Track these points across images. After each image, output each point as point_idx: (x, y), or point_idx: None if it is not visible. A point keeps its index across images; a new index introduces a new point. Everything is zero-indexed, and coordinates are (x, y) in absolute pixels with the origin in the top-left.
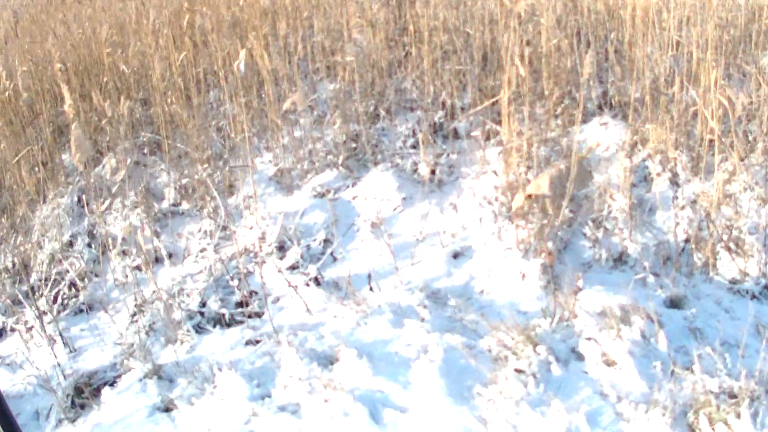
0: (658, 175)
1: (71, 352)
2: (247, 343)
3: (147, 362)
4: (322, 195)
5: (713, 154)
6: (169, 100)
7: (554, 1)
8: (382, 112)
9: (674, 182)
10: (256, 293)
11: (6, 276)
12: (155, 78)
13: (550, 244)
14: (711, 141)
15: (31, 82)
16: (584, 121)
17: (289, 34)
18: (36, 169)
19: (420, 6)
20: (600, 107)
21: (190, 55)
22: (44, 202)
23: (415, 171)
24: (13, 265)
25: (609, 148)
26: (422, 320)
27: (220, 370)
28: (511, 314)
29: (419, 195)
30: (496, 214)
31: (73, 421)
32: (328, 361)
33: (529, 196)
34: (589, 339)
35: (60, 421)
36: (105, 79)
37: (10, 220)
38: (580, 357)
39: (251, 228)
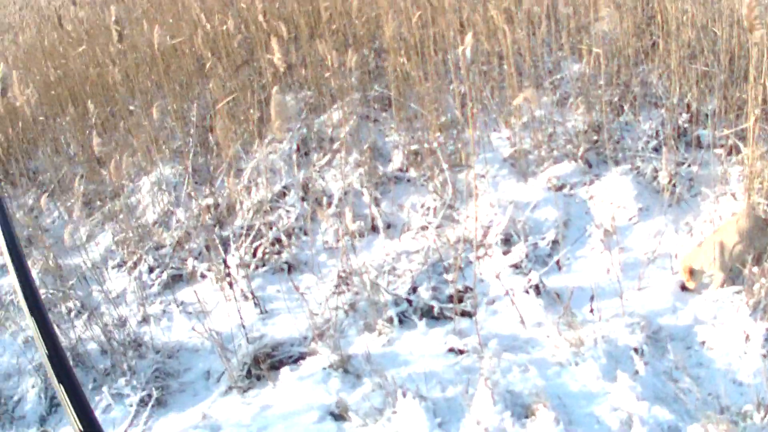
0: None
1: (261, 313)
2: (450, 350)
3: (336, 351)
4: (558, 188)
5: None
6: (401, 55)
7: None
8: (626, 105)
9: None
10: (471, 290)
11: (208, 217)
12: (387, 34)
13: None
14: None
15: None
16: None
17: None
18: (252, 110)
19: None
20: None
21: (426, 14)
22: (260, 144)
23: (654, 178)
24: (217, 206)
25: None
26: (635, 373)
27: (404, 395)
28: (725, 385)
29: (656, 207)
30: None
31: (244, 391)
32: (523, 412)
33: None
34: None
35: (230, 389)
36: (333, 27)
37: (219, 158)
38: None
39: (477, 213)
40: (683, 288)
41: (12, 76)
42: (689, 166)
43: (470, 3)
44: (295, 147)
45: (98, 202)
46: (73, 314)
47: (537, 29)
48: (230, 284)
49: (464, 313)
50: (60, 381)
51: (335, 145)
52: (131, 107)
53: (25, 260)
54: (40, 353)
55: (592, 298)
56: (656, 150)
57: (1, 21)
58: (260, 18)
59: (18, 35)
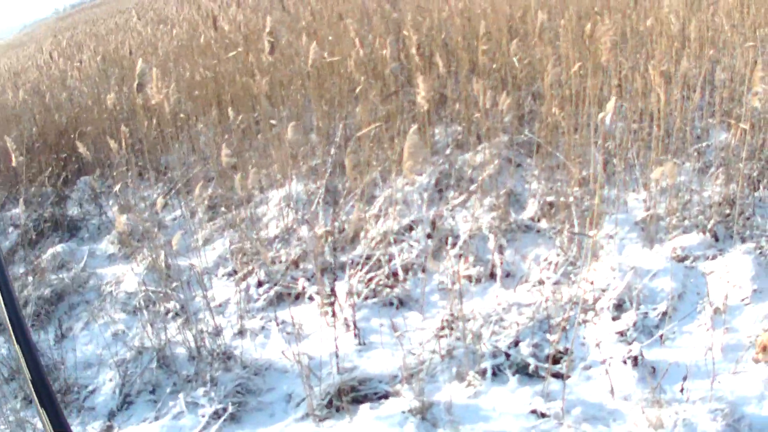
0: None
1: (359, 344)
2: (533, 412)
3: (419, 395)
4: (681, 259)
5: None
6: (555, 105)
7: None
8: (765, 180)
9: None
10: (572, 353)
11: (330, 240)
12: (546, 83)
13: None
14: None
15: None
16: None
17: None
18: (396, 139)
19: None
20: None
21: (587, 66)
22: (396, 174)
23: None
24: (342, 231)
25: None
26: None
27: None
28: None
29: None
30: None
31: (320, 420)
32: None
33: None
34: None
35: (307, 415)
36: (494, 66)
37: (360, 180)
38: None
39: (597, 275)
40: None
41: (151, 72)
42: None
43: (632, 59)
44: (433, 182)
45: (223, 209)
46: (170, 316)
47: (692, 92)
48: (333, 312)
49: (558, 375)
50: (42, 405)
51: (472, 186)
52: (273, 120)
53: (12, 285)
54: (24, 376)
55: (684, 378)
56: None
57: (159, 12)
58: (413, 51)
59: (173, 28)
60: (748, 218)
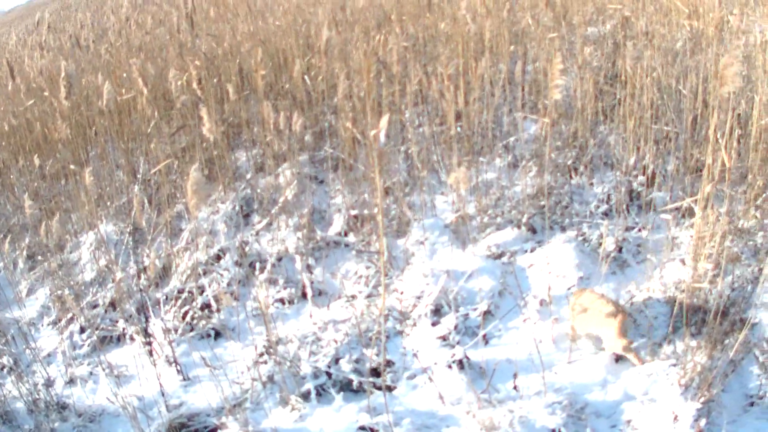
0: None
1: (184, 380)
2: (360, 428)
3: (244, 426)
4: (496, 256)
5: None
6: (349, 119)
7: None
8: (581, 167)
9: None
10: (393, 363)
11: (143, 277)
12: (339, 97)
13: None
14: None
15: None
16: None
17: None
18: (203, 167)
19: (633, 59)
20: None
21: (371, 82)
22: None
23: (600, 244)
24: (153, 267)
25: None
26: None
27: None
28: None
29: (598, 275)
30: (672, 319)
31: None
32: None
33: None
34: None
35: None
36: (286, 86)
37: (163, 216)
38: None
39: (409, 283)
40: (617, 359)
41: None
42: (639, 231)
43: (430, 64)
44: (237, 208)
45: (39, 257)
46: (5, 371)
47: (494, 90)
48: (150, 351)
49: (384, 388)
50: None
51: (275, 209)
52: (73, 165)
53: None
54: None
55: (515, 375)
56: (606, 215)
57: None
58: (194, 86)
59: None
60: (566, 207)
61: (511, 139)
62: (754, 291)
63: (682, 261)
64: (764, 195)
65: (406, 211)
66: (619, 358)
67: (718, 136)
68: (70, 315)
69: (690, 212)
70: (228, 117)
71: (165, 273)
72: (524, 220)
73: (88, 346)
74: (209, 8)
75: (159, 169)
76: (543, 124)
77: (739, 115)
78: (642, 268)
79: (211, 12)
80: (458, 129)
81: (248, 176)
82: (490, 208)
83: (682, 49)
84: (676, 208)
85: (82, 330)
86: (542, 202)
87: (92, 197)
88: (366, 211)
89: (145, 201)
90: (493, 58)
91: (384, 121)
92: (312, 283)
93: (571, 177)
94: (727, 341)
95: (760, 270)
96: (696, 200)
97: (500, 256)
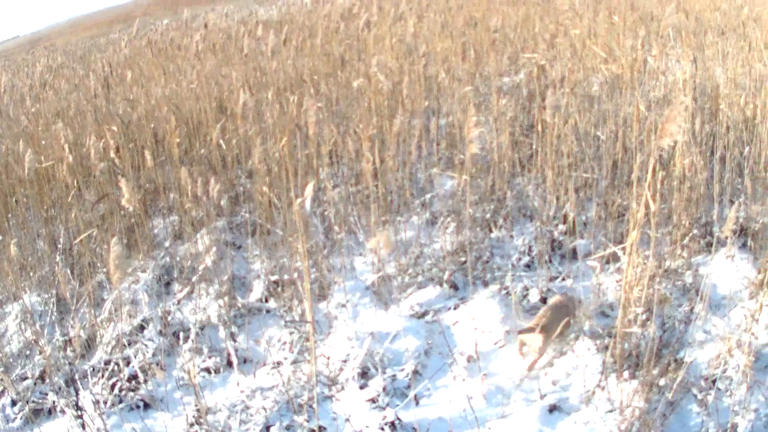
0: None
1: None
2: None
3: None
4: (420, 316)
5: None
6: (265, 183)
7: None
8: (500, 220)
9: None
10: (325, 429)
11: (69, 350)
12: (255, 160)
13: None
14: None
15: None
16: (710, 251)
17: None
18: (122, 236)
19: (550, 108)
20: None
21: (289, 145)
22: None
23: (525, 297)
24: (78, 338)
25: (732, 287)
26: None
27: None
28: None
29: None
30: (605, 363)
31: None
32: None
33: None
34: None
35: None
36: (202, 151)
37: (86, 286)
38: None
39: (335, 347)
40: (551, 410)
41: None
42: (563, 280)
43: (343, 124)
44: (156, 277)
45: None
46: None
47: (410, 147)
48: (82, 424)
49: None
50: None
51: (195, 277)
52: None
53: None
54: None
55: None
56: (529, 266)
57: None
58: (112, 153)
59: None
60: (487, 261)
61: (428, 196)
62: (687, 330)
63: (611, 306)
64: (690, 234)
65: (326, 274)
66: (553, 409)
67: (641, 179)
68: (0, 388)
69: (615, 257)
70: (144, 184)
71: (91, 344)
72: (446, 277)
73: (21, 419)
74: (124, 72)
75: (76, 241)
76: (460, 180)
77: (660, 156)
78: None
79: (127, 76)
80: (374, 188)
81: (167, 244)
82: (410, 267)
83: (598, 93)
84: (601, 255)
85: (14, 403)
86: (463, 258)
87: (15, 267)
88: (286, 276)
89: (68, 271)
90: (407, 114)
91: (309, 188)
92: (237, 350)
93: (490, 231)
94: (663, 383)
95: (692, 309)
96: (623, 247)
97: (424, 314)
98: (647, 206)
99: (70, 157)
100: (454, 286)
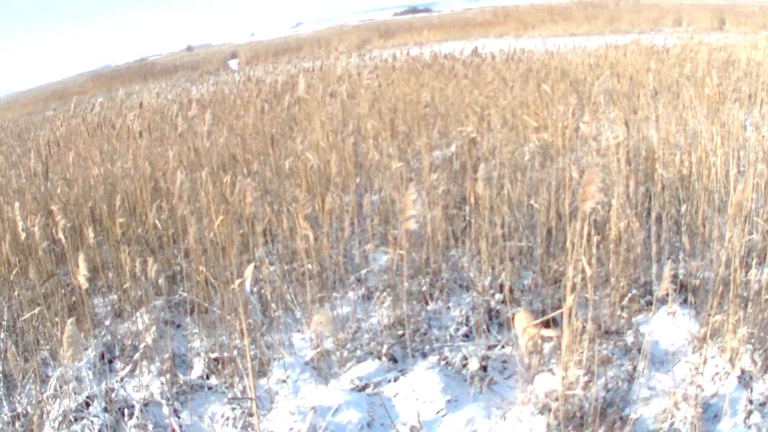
0: (728, 374)
1: None
2: None
3: None
4: (361, 389)
5: None
6: (201, 265)
7: (626, 171)
8: (436, 292)
9: (744, 381)
10: None
11: (19, 424)
12: (191, 239)
13: None
14: None
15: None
16: (650, 309)
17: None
18: (57, 317)
19: (482, 178)
20: (668, 292)
21: (227, 220)
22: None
23: (464, 366)
24: (25, 414)
25: (675, 343)
26: None
27: None
28: None
29: (466, 396)
30: (549, 426)
31: None
32: None
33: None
34: None
35: None
36: (139, 231)
37: (30, 363)
38: None
39: (277, 422)
40: None
41: None
42: (502, 348)
43: (277, 202)
44: (99, 355)
45: None
46: None
47: (342, 224)
48: None
49: None
50: None
51: (136, 355)
52: None
53: None
54: None
55: None
56: (467, 336)
57: None
58: (56, 232)
59: None
60: (424, 333)
61: (363, 271)
62: (631, 388)
63: (551, 371)
64: (630, 295)
65: (265, 350)
66: None
67: (576, 245)
68: None
69: (554, 322)
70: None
71: (38, 420)
72: (384, 350)
73: None
74: (61, 150)
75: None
76: (395, 255)
77: (595, 220)
78: (510, 383)
79: (64, 155)
80: (309, 266)
81: (107, 322)
82: (348, 341)
83: (530, 162)
84: (537, 326)
85: None
86: (400, 331)
87: None
88: (225, 354)
89: (12, 347)
90: (339, 191)
91: (249, 270)
92: (181, 427)
93: (427, 303)
94: None
95: (634, 367)
96: (561, 312)
97: (364, 387)
98: (583, 271)
99: (22, 233)
100: (393, 359)
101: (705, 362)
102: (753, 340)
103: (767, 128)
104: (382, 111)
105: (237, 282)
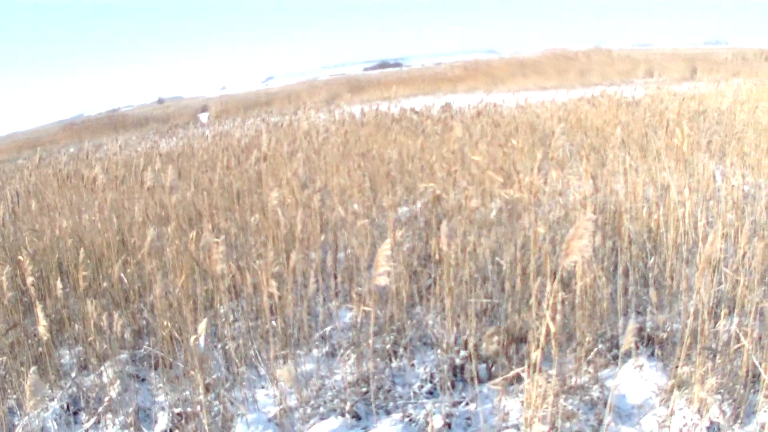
0: (696, 425)
1: None
2: None
3: None
4: None
5: (755, 392)
6: (166, 320)
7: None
8: (401, 350)
9: None
10: None
11: None
12: (156, 295)
13: None
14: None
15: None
16: (617, 363)
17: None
18: (23, 368)
19: (446, 237)
20: (636, 345)
21: (188, 281)
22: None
23: (428, 423)
24: None
25: (642, 396)
26: None
27: None
28: None
29: None
30: None
31: None
32: None
33: None
34: None
35: None
36: (104, 284)
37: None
38: None
39: None
40: None
41: None
42: (467, 404)
43: (242, 259)
44: (64, 406)
45: None
46: None
47: (307, 281)
48: None
49: None
50: None
51: (101, 408)
52: None
53: None
54: None
55: None
56: (431, 393)
57: None
58: (25, 282)
59: None
60: (389, 390)
61: (328, 328)
62: None
63: (516, 427)
64: (596, 349)
65: (228, 406)
66: None
67: (541, 302)
68: None
69: (519, 378)
70: (51, 314)
71: None
72: (347, 407)
73: None
74: (29, 200)
75: None
76: (359, 312)
77: (562, 276)
78: None
79: (32, 205)
80: (273, 323)
81: (73, 374)
82: (312, 398)
83: (496, 218)
84: (501, 384)
85: None
86: (364, 389)
87: None
88: (189, 409)
89: None
90: (304, 248)
91: (202, 326)
92: None
93: (391, 360)
94: None
95: (600, 422)
96: (523, 369)
97: None
98: (548, 327)
99: None
100: (357, 416)
101: (672, 414)
102: (722, 390)
103: (737, 178)
104: (350, 168)
105: (192, 339)
